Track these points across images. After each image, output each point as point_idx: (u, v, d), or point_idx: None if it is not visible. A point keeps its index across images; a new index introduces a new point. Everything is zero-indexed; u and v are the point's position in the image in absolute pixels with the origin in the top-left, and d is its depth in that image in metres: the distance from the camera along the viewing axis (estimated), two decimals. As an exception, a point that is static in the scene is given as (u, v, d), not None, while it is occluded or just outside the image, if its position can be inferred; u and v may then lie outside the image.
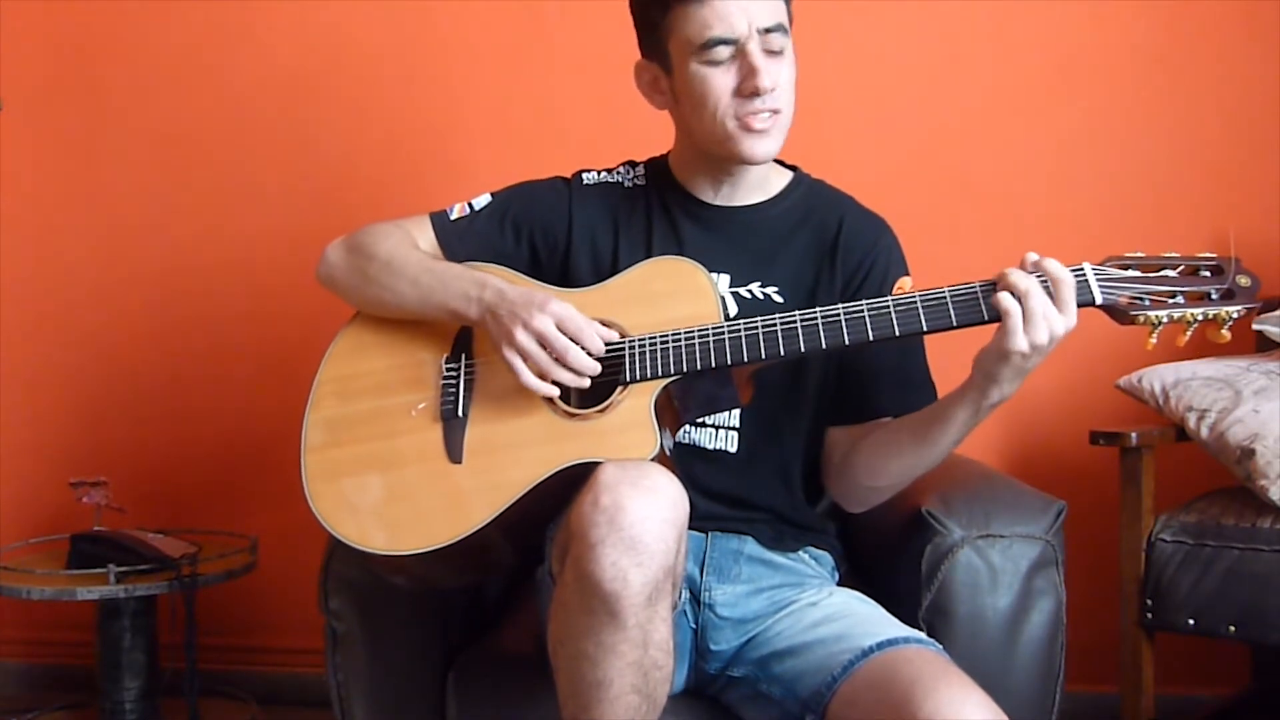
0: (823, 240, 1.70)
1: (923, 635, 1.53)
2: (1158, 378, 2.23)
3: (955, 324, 1.45)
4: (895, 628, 1.53)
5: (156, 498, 2.77)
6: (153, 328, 2.83)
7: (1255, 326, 2.29)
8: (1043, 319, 1.40)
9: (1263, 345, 2.34)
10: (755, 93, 1.57)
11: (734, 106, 1.58)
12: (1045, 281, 1.41)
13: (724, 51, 1.56)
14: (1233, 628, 2.04)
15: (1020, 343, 1.40)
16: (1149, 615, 2.11)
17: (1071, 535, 1.75)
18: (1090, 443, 2.18)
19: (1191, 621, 2.07)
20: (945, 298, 1.45)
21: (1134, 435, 2.14)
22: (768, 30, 1.57)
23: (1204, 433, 2.14)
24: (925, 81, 2.59)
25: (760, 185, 1.72)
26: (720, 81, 1.58)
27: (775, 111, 1.60)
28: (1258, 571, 2.01)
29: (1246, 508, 2.09)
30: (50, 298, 2.88)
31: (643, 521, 1.31)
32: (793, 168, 1.76)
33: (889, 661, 1.44)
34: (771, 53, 1.58)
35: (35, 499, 2.85)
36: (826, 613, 1.58)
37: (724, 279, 1.67)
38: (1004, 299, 1.41)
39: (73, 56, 2.84)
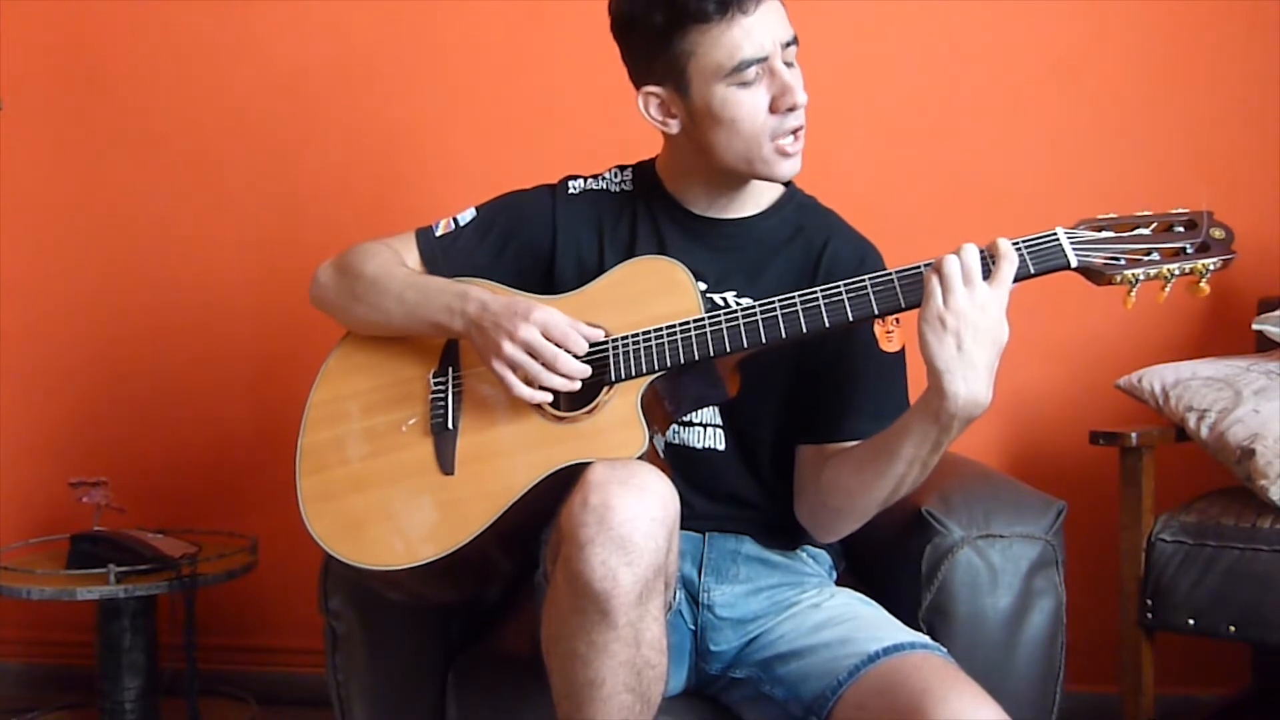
0: (806, 258, 1.67)
1: (928, 640, 1.53)
2: (1158, 378, 2.23)
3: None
4: (900, 632, 1.52)
5: (156, 498, 2.77)
6: (153, 327, 2.83)
7: (1255, 326, 2.29)
8: (959, 282, 1.39)
9: (1263, 345, 2.34)
10: (793, 108, 1.56)
11: (770, 125, 1.56)
12: (984, 255, 1.41)
13: (754, 71, 1.53)
14: (1233, 628, 2.04)
15: (935, 303, 1.39)
16: (1149, 615, 2.11)
17: (1071, 535, 1.75)
18: (1090, 443, 2.18)
19: (1191, 621, 2.07)
20: (920, 269, 1.46)
21: (1134, 435, 2.14)
22: (786, 44, 1.56)
23: (1204, 433, 2.13)
24: (924, 80, 2.59)
25: (753, 198, 1.70)
26: (754, 102, 1.55)
27: (801, 126, 1.58)
28: (1258, 571, 2.01)
29: (1246, 508, 2.09)
30: (50, 297, 2.88)
31: (632, 520, 1.31)
32: (787, 183, 1.72)
33: (897, 668, 1.44)
34: (788, 65, 1.56)
35: (35, 499, 2.85)
36: (830, 615, 1.57)
37: (699, 286, 1.62)
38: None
39: (73, 57, 2.84)
